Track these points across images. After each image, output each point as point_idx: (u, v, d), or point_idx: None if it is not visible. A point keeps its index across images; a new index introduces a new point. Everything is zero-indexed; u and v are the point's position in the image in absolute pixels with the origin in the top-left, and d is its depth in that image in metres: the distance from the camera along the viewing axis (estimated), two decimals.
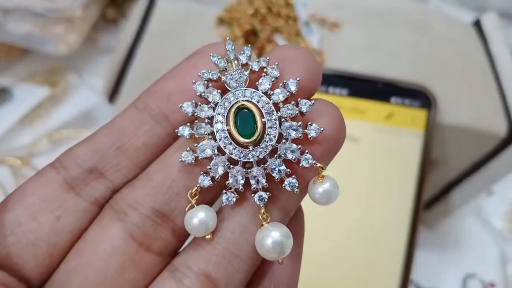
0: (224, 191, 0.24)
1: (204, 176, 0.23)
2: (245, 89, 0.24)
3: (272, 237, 0.23)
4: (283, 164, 0.23)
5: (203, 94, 0.24)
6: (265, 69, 0.24)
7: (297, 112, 0.23)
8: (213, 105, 0.24)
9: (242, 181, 0.23)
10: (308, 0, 0.60)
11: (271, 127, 0.23)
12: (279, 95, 0.24)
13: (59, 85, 0.73)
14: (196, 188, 0.24)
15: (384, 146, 0.54)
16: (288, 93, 0.23)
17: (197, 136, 0.24)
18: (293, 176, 0.23)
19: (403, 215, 0.52)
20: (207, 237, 0.23)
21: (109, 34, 0.82)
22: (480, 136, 0.55)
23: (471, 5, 0.90)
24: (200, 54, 0.25)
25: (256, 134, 0.23)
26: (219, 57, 0.24)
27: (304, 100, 0.23)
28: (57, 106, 0.71)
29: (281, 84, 0.24)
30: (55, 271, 0.24)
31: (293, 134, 0.23)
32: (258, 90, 0.24)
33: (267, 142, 0.23)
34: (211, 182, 0.23)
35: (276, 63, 0.24)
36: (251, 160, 0.23)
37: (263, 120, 0.23)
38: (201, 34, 0.58)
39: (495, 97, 0.56)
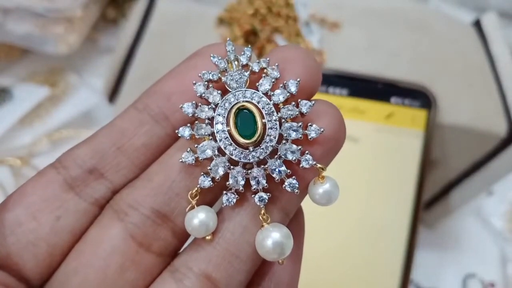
0: (225, 191, 0.24)
1: (204, 176, 0.23)
2: (245, 90, 0.24)
3: (273, 238, 0.23)
4: (283, 165, 0.23)
5: (203, 95, 0.24)
6: (265, 70, 0.24)
7: (297, 112, 0.23)
8: (214, 106, 0.24)
9: (243, 182, 0.23)
10: (308, 0, 0.60)
11: (271, 128, 0.23)
12: (279, 95, 0.24)
13: (59, 85, 0.73)
14: (196, 188, 0.24)
15: (384, 146, 0.54)
16: (288, 94, 0.23)
17: (198, 136, 0.24)
18: (294, 176, 0.23)
19: (403, 215, 0.52)
20: (207, 237, 0.23)
21: (109, 34, 0.82)
22: (480, 136, 0.55)
23: (471, 5, 0.90)
24: (200, 54, 0.25)
25: (257, 135, 0.23)
26: (220, 57, 0.24)
27: (304, 101, 0.23)
28: (57, 106, 0.71)
29: (281, 85, 0.24)
30: (55, 271, 0.24)
31: (293, 135, 0.23)
32: (258, 91, 0.24)
33: (268, 143, 0.23)
34: (211, 183, 0.23)
35: (276, 64, 0.24)
36: (251, 161, 0.23)
37: (263, 121, 0.23)
38: (201, 34, 0.58)
39: (495, 97, 0.56)
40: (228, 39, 0.25)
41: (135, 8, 0.60)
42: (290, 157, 0.23)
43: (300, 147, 0.23)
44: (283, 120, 0.24)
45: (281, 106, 0.24)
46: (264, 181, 0.23)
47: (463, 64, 0.58)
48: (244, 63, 0.24)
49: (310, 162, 0.23)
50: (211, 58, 0.24)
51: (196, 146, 0.24)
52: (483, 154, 0.57)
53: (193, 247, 0.24)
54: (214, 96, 0.24)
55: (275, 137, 0.23)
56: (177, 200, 0.24)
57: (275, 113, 0.24)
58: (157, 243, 0.24)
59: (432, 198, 0.64)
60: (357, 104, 0.54)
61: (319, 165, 0.23)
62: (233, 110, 0.24)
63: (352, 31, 0.59)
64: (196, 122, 0.24)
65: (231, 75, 0.24)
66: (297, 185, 0.23)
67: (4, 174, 0.63)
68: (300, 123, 0.23)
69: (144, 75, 0.54)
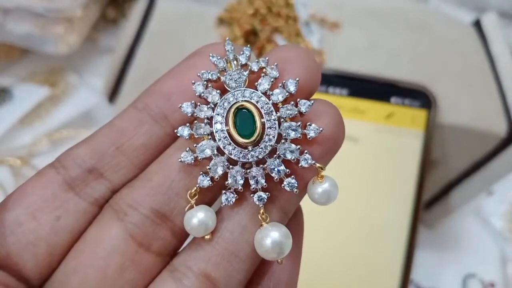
0: (224, 191, 0.24)
1: (203, 176, 0.23)
2: (244, 90, 0.24)
3: (271, 237, 0.23)
4: (282, 164, 0.23)
5: (202, 95, 0.24)
6: (264, 70, 0.24)
7: (296, 112, 0.23)
8: (213, 106, 0.24)
9: (242, 181, 0.23)
10: (308, 0, 0.60)
11: (270, 128, 0.23)
12: (278, 95, 0.24)
13: (59, 85, 0.73)
14: (195, 188, 0.24)
15: (384, 146, 0.54)
16: (287, 94, 0.23)
17: (197, 136, 0.24)
18: (292, 176, 0.23)
19: (403, 215, 0.52)
20: (206, 237, 0.23)
21: (109, 34, 0.82)
22: (480, 136, 0.55)
23: (471, 5, 0.90)
24: (199, 54, 0.25)
25: (255, 135, 0.23)
26: (219, 57, 0.24)
27: (303, 100, 0.23)
28: (57, 106, 0.71)
29: (280, 85, 0.24)
30: (55, 271, 0.24)
31: (292, 134, 0.23)
32: (257, 91, 0.24)
33: (266, 142, 0.23)
34: (210, 182, 0.23)
35: (275, 64, 0.24)
36: (250, 160, 0.24)
37: (262, 120, 0.23)
38: (201, 34, 0.58)
39: (495, 97, 0.56)
40: (227, 38, 0.25)
41: (135, 8, 0.60)
42: (289, 156, 0.23)
43: (299, 146, 0.23)
44: (282, 120, 0.24)
45: (280, 106, 0.24)
46: (263, 181, 0.23)
47: (463, 64, 0.58)
48: (243, 62, 0.24)
49: (309, 161, 0.23)
50: (210, 57, 0.24)
51: (195, 146, 0.24)
52: (483, 154, 0.57)
53: (192, 246, 0.24)
54: (213, 95, 0.24)
55: (274, 137, 0.23)
56: (177, 199, 0.24)
57: (274, 113, 0.24)
58: (156, 243, 0.24)
59: (432, 198, 0.64)
60: (357, 104, 0.54)
61: (318, 165, 0.23)
62: (232, 110, 0.24)
63: (352, 31, 0.59)
64: (195, 121, 0.24)
65: (230, 75, 0.24)
66: (296, 185, 0.23)
67: (4, 174, 0.63)
68: (299, 123, 0.23)
69: (144, 75, 0.54)
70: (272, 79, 0.24)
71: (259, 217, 0.23)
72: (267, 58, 0.24)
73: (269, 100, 0.24)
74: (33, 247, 0.23)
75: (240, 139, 0.23)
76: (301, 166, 0.23)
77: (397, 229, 0.52)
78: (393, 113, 0.54)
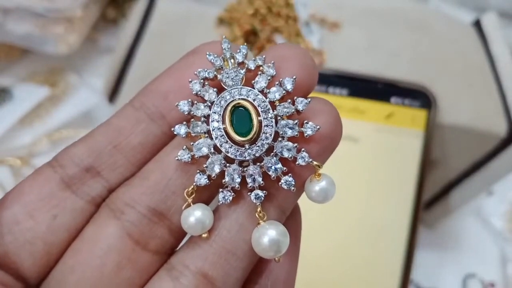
0: (221, 189, 0.24)
1: (200, 174, 0.23)
2: (241, 88, 0.24)
3: (269, 235, 0.23)
4: (280, 163, 0.23)
5: (199, 93, 0.24)
6: (261, 68, 0.24)
7: (293, 110, 0.23)
8: (209, 104, 0.24)
9: (239, 180, 0.23)
10: (308, 0, 0.60)
11: (267, 126, 0.23)
12: (275, 93, 0.24)
13: (59, 85, 0.73)
14: (192, 186, 0.24)
15: (384, 146, 0.54)
16: (284, 92, 0.23)
17: (193, 134, 0.24)
18: (290, 174, 0.23)
19: (403, 215, 0.52)
20: (203, 235, 0.23)
21: (109, 34, 0.82)
22: (480, 136, 0.54)
23: (471, 5, 0.90)
24: (196, 52, 0.25)
25: (252, 133, 0.23)
26: (215, 55, 0.24)
27: (300, 99, 0.23)
28: (57, 106, 0.71)
29: (277, 83, 0.24)
30: (52, 269, 0.24)
31: (289, 132, 0.23)
32: (254, 89, 0.24)
33: (263, 140, 0.23)
34: (207, 181, 0.23)
35: (272, 62, 0.24)
36: (247, 158, 0.23)
37: (259, 118, 0.23)
38: (201, 34, 0.58)
39: (495, 97, 0.56)
40: (224, 36, 0.25)
41: (135, 8, 0.60)
42: (286, 154, 0.23)
43: (296, 144, 0.23)
44: (279, 118, 0.24)
45: (277, 104, 0.24)
46: (260, 179, 0.23)
47: (463, 64, 0.58)
48: (240, 61, 0.24)
49: (306, 159, 0.23)
50: (207, 56, 0.24)
51: (192, 144, 0.24)
52: (483, 154, 0.57)
53: (189, 245, 0.24)
54: (210, 94, 0.24)
55: (271, 135, 0.23)
56: (174, 198, 0.24)
57: (271, 111, 0.24)
58: (153, 241, 0.24)
59: (432, 198, 0.64)
60: (357, 104, 0.54)
61: (315, 163, 0.23)
62: (229, 108, 0.24)
63: (352, 31, 0.59)
64: (192, 120, 0.24)
65: (227, 73, 0.24)
66: (293, 183, 0.23)
67: (4, 174, 0.63)
68: (296, 121, 0.23)
69: (144, 75, 0.54)
70: (269, 77, 0.24)
71: (257, 215, 0.23)
72: (263, 56, 0.24)
73: (266, 98, 0.24)
74: (30, 245, 0.23)
75: (237, 137, 0.23)
76: (298, 164, 0.23)
77: (397, 229, 0.52)
78: (393, 113, 0.54)
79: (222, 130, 0.24)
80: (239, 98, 0.24)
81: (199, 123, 0.24)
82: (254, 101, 0.24)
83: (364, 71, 0.55)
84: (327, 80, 0.54)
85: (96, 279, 0.23)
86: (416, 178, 0.53)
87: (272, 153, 0.24)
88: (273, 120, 0.24)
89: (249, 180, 0.23)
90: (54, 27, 0.67)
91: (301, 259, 0.28)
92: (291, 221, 0.26)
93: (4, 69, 0.76)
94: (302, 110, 0.23)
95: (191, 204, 0.23)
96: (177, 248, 0.25)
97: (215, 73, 0.24)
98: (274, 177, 0.23)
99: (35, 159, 0.67)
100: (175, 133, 0.24)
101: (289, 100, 0.24)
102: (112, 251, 0.23)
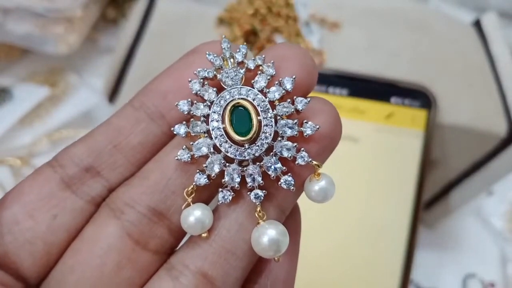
0: (220, 189, 0.24)
1: (200, 174, 0.23)
2: (240, 87, 0.24)
3: (268, 235, 0.23)
4: (279, 162, 0.23)
5: (198, 92, 0.24)
6: (260, 67, 0.24)
7: (292, 110, 0.23)
8: (209, 103, 0.24)
9: (238, 179, 0.23)
10: (308, 0, 0.60)
11: (266, 125, 0.23)
12: (274, 93, 0.24)
13: (59, 85, 0.73)
14: (192, 186, 0.24)
15: (384, 146, 0.54)
16: (283, 91, 0.23)
17: (193, 134, 0.24)
18: (289, 174, 0.23)
19: (403, 215, 0.52)
20: (203, 235, 0.23)
21: (109, 34, 0.82)
22: (480, 136, 0.54)
23: (471, 5, 0.90)
24: (196, 52, 0.25)
25: (252, 132, 0.23)
26: (215, 55, 0.24)
27: (300, 98, 0.23)
28: (57, 106, 0.71)
29: (276, 82, 0.24)
30: (52, 269, 0.24)
31: (289, 132, 0.23)
32: (253, 88, 0.24)
33: (263, 140, 0.23)
34: (207, 180, 0.23)
35: (272, 61, 0.24)
36: (246, 158, 0.23)
37: (258, 118, 0.23)
38: (201, 34, 0.58)
39: (495, 97, 0.56)
40: (223, 36, 0.25)
41: (135, 8, 0.60)
42: (285, 154, 0.23)
43: (295, 144, 0.23)
44: (278, 117, 0.24)
45: (277, 103, 0.24)
46: (259, 178, 0.23)
47: (463, 64, 0.58)
48: (240, 60, 0.24)
49: (306, 159, 0.23)
50: (207, 55, 0.24)
51: (192, 144, 0.24)
52: (483, 154, 0.57)
53: (189, 244, 0.24)
54: (210, 93, 0.24)
55: (270, 134, 0.23)
56: (173, 198, 0.24)
57: (270, 110, 0.24)
58: (153, 241, 0.24)
59: (432, 198, 0.64)
60: (357, 104, 0.54)
61: (314, 162, 0.23)
62: (229, 108, 0.24)
63: (352, 31, 0.59)
64: (192, 119, 0.24)
65: (227, 73, 0.24)
66: (293, 182, 0.23)
67: (4, 174, 0.63)
68: (295, 120, 0.23)
69: (144, 75, 0.54)
70: (268, 77, 0.24)
71: (256, 215, 0.23)
72: (263, 56, 0.24)
73: (266, 97, 0.24)
74: (30, 245, 0.23)
75: (237, 137, 0.23)
76: (297, 164, 0.23)
77: (397, 229, 0.52)
78: (393, 113, 0.54)
79: (222, 130, 0.24)
80: (238, 98, 0.24)
81: (199, 122, 0.24)
82: (253, 100, 0.24)
83: (364, 71, 0.55)
84: (327, 80, 0.54)
85: (96, 279, 0.23)
86: (416, 178, 0.53)
87: (271, 153, 0.24)
88: (273, 120, 0.24)
89: (248, 179, 0.23)
90: (54, 27, 0.67)
91: (301, 259, 0.28)
92: (291, 220, 0.26)
93: (4, 69, 0.76)
94: (301, 110, 0.23)
95: (191, 203, 0.23)
96: (177, 248, 0.25)
97: (214, 72, 0.24)
98: (273, 176, 0.23)
99: (35, 159, 0.67)
100: (174, 132, 0.24)
101: (289, 100, 0.24)
102: (112, 251, 0.23)
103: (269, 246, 0.23)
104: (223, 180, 0.23)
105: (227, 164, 0.24)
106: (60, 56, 0.72)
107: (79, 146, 0.25)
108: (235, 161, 0.24)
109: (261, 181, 0.23)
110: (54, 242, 0.24)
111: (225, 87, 0.24)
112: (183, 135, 0.24)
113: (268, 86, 0.24)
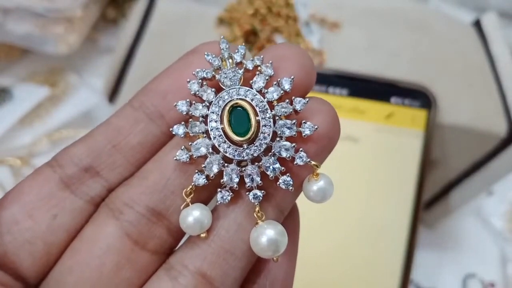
0: (219, 189, 0.24)
1: (198, 174, 0.23)
2: (239, 88, 0.24)
3: (267, 235, 0.23)
4: (278, 162, 0.23)
5: (197, 93, 0.24)
6: (259, 68, 0.24)
7: (291, 110, 0.23)
8: (208, 104, 0.24)
9: (237, 180, 0.23)
10: (308, 0, 0.60)
11: (265, 125, 0.23)
12: (273, 93, 0.24)
13: (59, 85, 0.73)
14: (191, 186, 0.24)
15: (384, 146, 0.53)
16: (282, 91, 0.23)
17: (192, 134, 0.24)
18: (288, 174, 0.23)
19: (403, 215, 0.52)
20: (202, 235, 0.23)
21: (109, 34, 0.82)
22: (480, 136, 0.54)
23: (471, 5, 0.90)
24: (195, 52, 0.25)
25: (250, 133, 0.23)
26: (214, 55, 0.24)
27: (298, 98, 0.23)
28: (57, 106, 0.71)
29: (275, 83, 0.24)
30: (52, 269, 0.24)
31: (287, 132, 0.23)
32: (252, 89, 0.24)
33: (261, 140, 0.23)
34: (206, 181, 0.23)
35: (270, 62, 0.24)
36: (245, 158, 0.24)
37: (257, 118, 0.23)
38: (201, 34, 0.58)
39: (495, 97, 0.56)
40: (222, 36, 0.25)
41: (135, 8, 0.60)
42: (284, 154, 0.23)
43: (294, 144, 0.23)
44: (277, 118, 0.24)
45: (275, 104, 0.24)
46: (258, 179, 0.23)
47: (463, 64, 0.58)
48: (238, 60, 0.24)
49: (304, 159, 0.23)
50: (205, 56, 0.24)
51: (191, 144, 0.24)
52: (483, 154, 0.57)
53: (188, 245, 0.24)
54: (208, 94, 0.24)
55: (269, 135, 0.23)
56: (172, 198, 0.24)
57: (269, 111, 0.24)
58: (152, 241, 0.24)
59: (432, 198, 0.64)
60: (357, 104, 0.54)
61: (313, 162, 0.23)
62: (227, 108, 0.24)
63: (352, 31, 0.59)
64: (191, 120, 0.24)
65: (225, 73, 0.24)
66: (291, 182, 0.23)
67: (4, 174, 0.63)
68: (294, 121, 0.23)
69: (144, 75, 0.54)
70: (267, 77, 0.24)
71: (255, 215, 0.23)
72: (262, 56, 0.24)
73: (264, 98, 0.24)
74: (30, 245, 0.23)
75: (235, 137, 0.23)
76: (296, 164, 0.23)
77: (397, 229, 0.52)
78: (393, 113, 0.54)
79: (220, 130, 0.24)
80: (237, 98, 0.24)
81: (197, 123, 0.24)
82: (252, 101, 0.24)
83: (364, 71, 0.54)
84: (327, 80, 0.54)
85: (95, 279, 0.23)
86: (416, 178, 0.53)
87: (270, 153, 0.24)
88: (271, 120, 0.24)
89: (247, 180, 0.23)
90: (54, 27, 0.67)
91: (301, 259, 0.28)
92: (289, 220, 0.26)
93: (4, 69, 0.76)
94: (300, 110, 0.23)
95: (190, 204, 0.23)
96: (176, 248, 0.25)
97: (213, 73, 0.24)
98: (272, 177, 0.23)
99: (35, 159, 0.67)
100: (173, 133, 0.24)
101: (287, 100, 0.24)
102: (111, 251, 0.23)
103: (268, 246, 0.23)
104: (221, 181, 0.23)
105: (226, 164, 0.24)
106: (60, 56, 0.72)
107: (79, 146, 0.25)
108: (234, 161, 0.24)
109: (260, 181, 0.23)
110: (53, 242, 0.24)
111: (224, 87, 0.24)
112: (182, 136, 0.24)
113: (267, 86, 0.24)
